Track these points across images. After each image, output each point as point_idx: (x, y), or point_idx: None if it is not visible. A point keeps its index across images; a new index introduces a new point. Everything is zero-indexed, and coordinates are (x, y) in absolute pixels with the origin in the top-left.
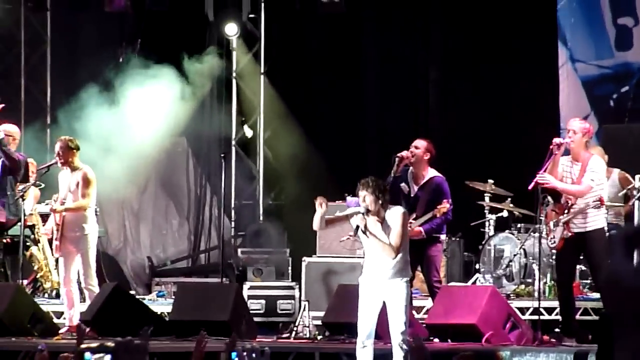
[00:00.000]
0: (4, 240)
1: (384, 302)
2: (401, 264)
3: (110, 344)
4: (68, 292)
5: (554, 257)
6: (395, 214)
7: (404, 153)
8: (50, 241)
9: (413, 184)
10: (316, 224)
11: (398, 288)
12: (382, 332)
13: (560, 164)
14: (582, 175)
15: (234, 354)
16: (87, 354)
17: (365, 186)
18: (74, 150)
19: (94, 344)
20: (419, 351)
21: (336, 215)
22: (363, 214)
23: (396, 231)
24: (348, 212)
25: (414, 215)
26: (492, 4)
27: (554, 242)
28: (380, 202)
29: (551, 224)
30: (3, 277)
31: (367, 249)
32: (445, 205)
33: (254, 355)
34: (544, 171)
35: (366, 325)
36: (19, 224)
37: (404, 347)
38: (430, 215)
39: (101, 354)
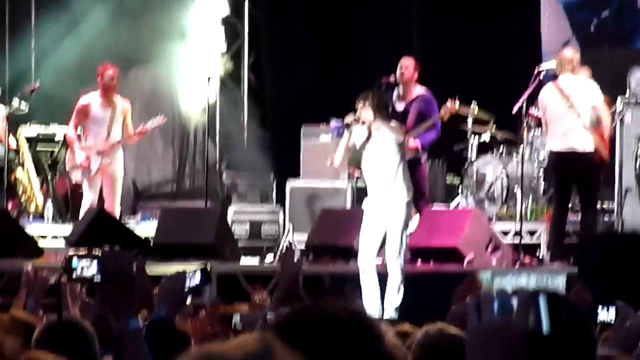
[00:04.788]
0: None
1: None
2: (401, 184)
3: (98, 252)
4: None
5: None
6: (396, 128)
7: (391, 78)
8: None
9: (399, 102)
10: (339, 157)
11: (398, 210)
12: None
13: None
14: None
15: None
16: (75, 260)
17: (364, 98)
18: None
19: (82, 252)
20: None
21: (346, 146)
22: (361, 125)
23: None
24: (350, 132)
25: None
26: None
27: None
28: (378, 115)
29: None
30: None
31: (367, 170)
32: (454, 106)
33: None
34: (527, 95)
35: (366, 250)
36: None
37: (398, 271)
38: (432, 121)
39: (88, 261)
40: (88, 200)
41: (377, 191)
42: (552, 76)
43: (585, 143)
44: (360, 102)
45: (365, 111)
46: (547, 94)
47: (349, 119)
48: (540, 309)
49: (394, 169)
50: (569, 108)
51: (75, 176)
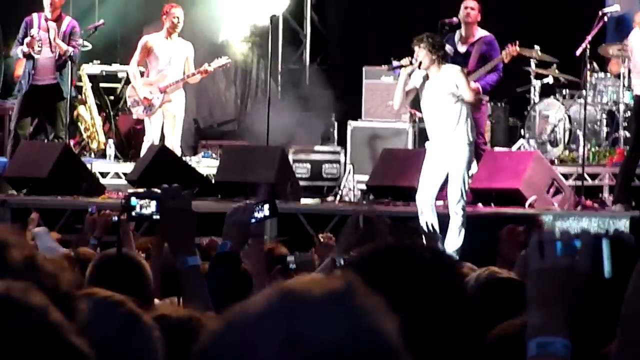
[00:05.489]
0: None
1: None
2: (463, 125)
3: (157, 190)
4: None
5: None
6: (452, 70)
7: (454, 19)
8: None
9: (461, 44)
10: (398, 101)
11: (460, 151)
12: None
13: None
14: None
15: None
16: (133, 199)
17: (420, 41)
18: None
19: (141, 190)
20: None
21: (407, 87)
22: (417, 68)
23: (464, 86)
24: (406, 76)
25: (464, 71)
26: None
27: None
28: (434, 57)
29: None
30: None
31: (427, 112)
32: (515, 48)
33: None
34: (591, 38)
35: (425, 191)
36: (67, 83)
37: (460, 213)
38: (493, 63)
39: (147, 200)
40: (150, 136)
41: (438, 133)
42: (616, 19)
43: None
44: (416, 45)
45: (420, 53)
46: (635, 36)
47: (404, 61)
48: (603, 252)
49: (455, 111)
50: None
51: (137, 111)
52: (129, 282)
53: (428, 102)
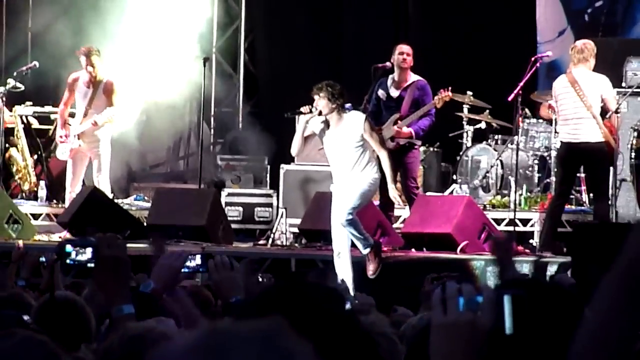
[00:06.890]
0: None
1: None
2: (361, 170)
3: (92, 238)
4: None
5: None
6: (355, 119)
7: (387, 64)
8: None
9: (394, 88)
10: (295, 147)
11: (361, 183)
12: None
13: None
14: None
15: None
16: (68, 247)
17: (319, 90)
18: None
19: (75, 237)
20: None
21: (305, 133)
22: (323, 122)
23: (376, 141)
24: (307, 122)
25: (397, 116)
26: None
27: None
28: (333, 106)
29: None
30: None
31: (329, 157)
32: (448, 94)
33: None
34: (523, 84)
35: (337, 234)
36: None
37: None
38: (426, 108)
39: (82, 247)
40: (69, 179)
41: (341, 177)
42: (548, 65)
43: (595, 134)
44: (315, 94)
45: (320, 102)
46: (559, 84)
47: (304, 109)
48: (505, 308)
49: (357, 156)
50: (580, 99)
51: (58, 154)
52: (70, 323)
53: (330, 148)
